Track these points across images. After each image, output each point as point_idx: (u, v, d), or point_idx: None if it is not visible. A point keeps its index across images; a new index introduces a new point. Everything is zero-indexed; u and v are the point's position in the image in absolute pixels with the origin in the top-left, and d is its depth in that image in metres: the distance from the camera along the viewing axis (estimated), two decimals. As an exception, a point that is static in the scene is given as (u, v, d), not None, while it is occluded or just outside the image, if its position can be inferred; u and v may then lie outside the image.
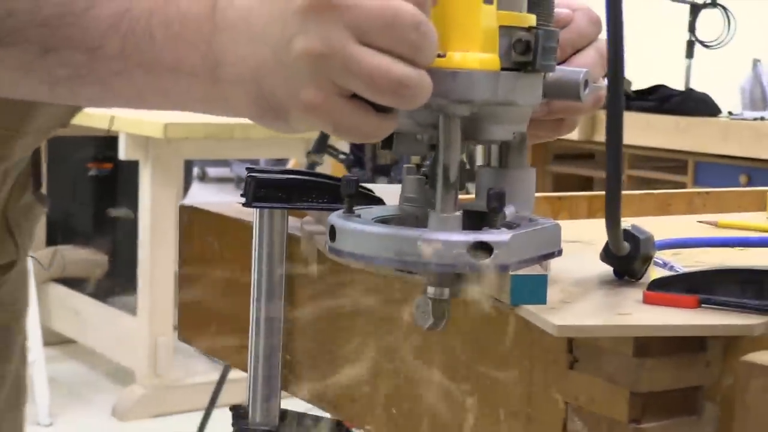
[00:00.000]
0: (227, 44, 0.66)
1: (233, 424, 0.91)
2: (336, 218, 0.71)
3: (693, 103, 4.35)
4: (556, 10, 0.85)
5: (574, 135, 4.46)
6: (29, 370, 3.41)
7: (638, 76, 4.68)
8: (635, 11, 5.41)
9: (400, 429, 0.84)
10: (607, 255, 0.74)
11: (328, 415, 0.92)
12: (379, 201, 0.89)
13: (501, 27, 0.70)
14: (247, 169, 0.90)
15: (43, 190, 1.14)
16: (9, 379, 1.14)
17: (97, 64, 0.68)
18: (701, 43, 4.57)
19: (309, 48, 0.62)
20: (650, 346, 0.65)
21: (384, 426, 0.86)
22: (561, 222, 1.19)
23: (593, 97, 0.84)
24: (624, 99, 0.66)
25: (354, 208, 0.74)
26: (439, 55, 0.66)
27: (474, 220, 0.73)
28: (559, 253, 0.73)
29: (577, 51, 0.84)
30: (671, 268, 0.80)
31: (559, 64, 0.83)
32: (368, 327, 0.86)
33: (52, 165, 4.16)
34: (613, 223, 0.68)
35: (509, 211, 0.75)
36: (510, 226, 0.72)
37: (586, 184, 4.89)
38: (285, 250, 0.89)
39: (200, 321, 1.06)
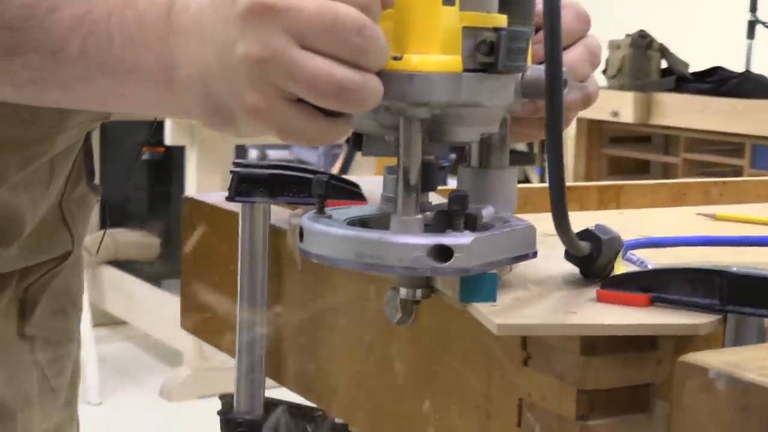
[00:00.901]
0: (180, 47, 0.67)
1: (218, 413, 0.93)
2: (305, 219, 0.72)
3: (751, 86, 4.29)
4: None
5: (629, 117, 4.43)
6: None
7: (697, 57, 4.63)
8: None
9: (373, 421, 0.85)
10: (569, 255, 0.74)
11: (312, 404, 0.94)
12: (360, 197, 0.90)
13: (465, 28, 0.69)
14: (233, 163, 0.92)
15: (97, 179, 1.17)
16: (71, 360, 1.18)
17: (59, 67, 0.70)
18: (763, 23, 4.50)
19: (249, 52, 0.62)
20: (597, 344, 0.66)
21: (359, 417, 0.87)
22: (576, 213, 1.21)
23: (581, 95, 0.83)
24: (563, 102, 0.65)
25: (332, 208, 0.75)
26: (395, 58, 0.66)
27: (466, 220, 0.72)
28: (534, 255, 0.73)
29: (565, 48, 0.82)
30: (642, 264, 0.80)
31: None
32: (347, 319, 0.87)
33: (107, 149, 4.24)
34: (561, 229, 0.67)
35: (487, 211, 0.75)
36: (485, 227, 0.72)
37: (642, 166, 4.86)
38: (267, 243, 0.91)
39: (201, 311, 1.09)
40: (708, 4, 5.92)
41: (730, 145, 4.24)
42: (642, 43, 4.51)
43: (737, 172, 4.25)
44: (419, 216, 0.68)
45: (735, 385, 0.56)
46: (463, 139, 0.73)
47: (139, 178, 4.42)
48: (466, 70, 0.69)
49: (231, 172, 0.89)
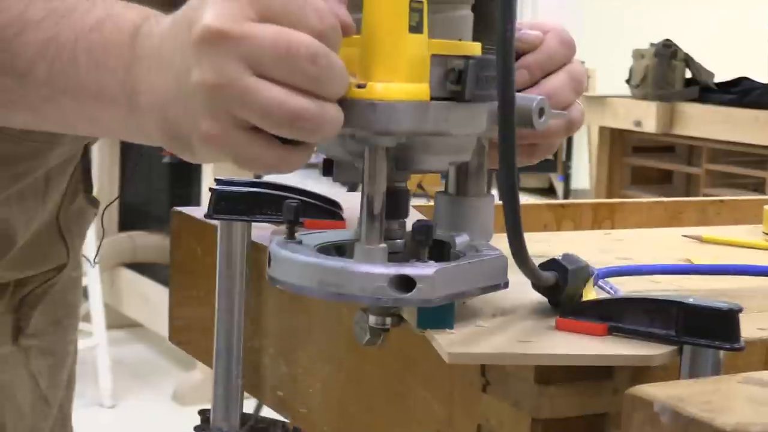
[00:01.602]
0: (142, 73, 0.68)
1: (195, 428, 0.94)
2: (273, 244, 0.72)
3: (775, 97, 4.27)
4: (527, 32, 0.84)
5: (651, 127, 4.42)
6: (93, 352, 3.49)
7: (722, 67, 4.61)
8: (720, 1, 5.33)
9: (343, 441, 0.86)
10: (536, 285, 0.73)
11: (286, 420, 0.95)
12: (338, 217, 0.90)
13: (434, 56, 0.68)
14: (215, 180, 0.93)
15: (110, 183, 1.19)
16: (66, 370, 1.19)
17: (26, 90, 0.71)
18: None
19: (204, 79, 0.62)
20: (552, 373, 0.66)
21: (331, 436, 0.88)
22: (562, 233, 1.21)
23: (564, 122, 0.83)
24: (514, 128, 0.65)
25: (305, 233, 0.74)
26: (359, 86, 0.66)
27: (433, 248, 0.71)
28: (505, 285, 0.72)
29: (548, 74, 0.83)
30: (614, 292, 0.80)
31: (528, 87, 0.83)
32: (320, 338, 0.88)
33: (127, 152, 4.26)
34: (520, 262, 0.66)
35: (461, 239, 0.74)
36: (457, 256, 0.72)
37: (665, 177, 4.84)
38: (247, 260, 0.91)
39: (187, 325, 1.09)
40: (733, 14, 5.88)
41: (753, 156, 4.22)
42: (666, 52, 4.50)
43: (760, 183, 4.24)
44: (383, 245, 0.67)
45: (678, 419, 0.56)
46: (431, 168, 0.73)
47: (158, 181, 4.44)
48: (435, 98, 0.68)
49: (210, 189, 0.90)
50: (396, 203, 0.72)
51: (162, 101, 0.67)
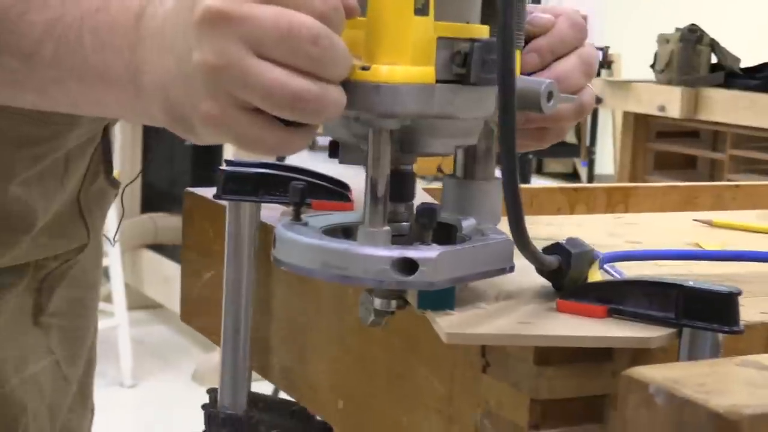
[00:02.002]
0: (147, 54, 0.68)
1: (203, 406, 0.95)
2: (279, 226, 0.72)
3: (800, 82, 4.23)
4: (538, 15, 0.84)
5: (675, 112, 4.39)
6: (114, 333, 3.51)
7: (749, 53, 4.58)
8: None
9: (348, 421, 0.86)
10: (540, 269, 0.73)
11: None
12: (346, 198, 0.91)
13: (440, 38, 0.68)
14: (225, 161, 0.93)
15: (133, 166, 1.19)
16: (86, 348, 1.21)
17: (33, 71, 0.71)
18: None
19: (204, 60, 0.62)
20: (552, 354, 0.66)
21: (336, 416, 0.88)
22: (572, 216, 1.21)
23: (574, 106, 0.82)
24: (515, 116, 0.64)
25: (311, 215, 0.75)
26: (364, 68, 0.66)
27: (439, 231, 0.72)
28: (511, 269, 0.72)
29: (559, 57, 0.82)
30: (620, 276, 0.80)
31: (538, 71, 0.82)
32: (327, 319, 0.89)
33: (151, 134, 4.28)
34: (522, 246, 0.66)
35: (467, 223, 0.74)
36: (463, 239, 0.72)
37: (690, 162, 4.81)
38: (256, 241, 0.92)
39: (198, 305, 1.10)
40: (761, -2, 5.84)
41: (778, 142, 4.19)
42: (691, 37, 4.46)
43: (786, 171, 4.21)
44: (386, 228, 0.67)
45: (672, 401, 0.56)
46: (437, 151, 0.72)
47: (180, 163, 4.46)
48: (440, 81, 0.68)
49: (219, 169, 0.90)
50: (401, 186, 0.72)
51: (164, 82, 0.67)
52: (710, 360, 0.63)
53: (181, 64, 0.65)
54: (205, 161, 4.42)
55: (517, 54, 0.77)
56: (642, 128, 4.75)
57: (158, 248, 4.16)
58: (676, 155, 4.75)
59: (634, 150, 4.79)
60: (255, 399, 0.94)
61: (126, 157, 4.19)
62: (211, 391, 0.96)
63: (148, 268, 4.08)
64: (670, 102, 4.42)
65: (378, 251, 0.66)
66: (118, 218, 3.33)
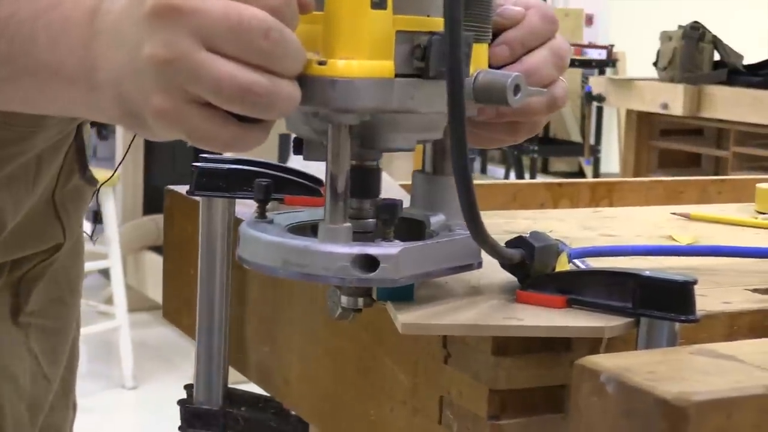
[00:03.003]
0: (100, 49, 0.67)
1: (179, 402, 0.95)
2: (243, 224, 0.72)
3: (804, 79, 4.23)
4: (508, 8, 0.83)
5: (678, 110, 4.39)
6: (115, 334, 3.50)
7: (752, 49, 4.58)
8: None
9: (319, 414, 0.87)
10: (502, 263, 0.73)
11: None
12: (317, 193, 0.91)
13: (399, 32, 0.67)
14: (199, 157, 0.94)
15: (121, 168, 1.18)
16: (67, 347, 1.21)
17: None
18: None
19: (154, 53, 0.62)
20: (510, 345, 0.67)
21: (308, 409, 0.89)
22: (549, 211, 1.21)
23: (546, 99, 0.81)
24: (464, 108, 0.64)
25: (279, 213, 0.74)
26: (320, 63, 0.65)
27: (410, 227, 0.72)
28: (479, 265, 0.72)
29: (530, 50, 0.81)
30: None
31: (510, 63, 0.80)
32: (299, 312, 0.89)
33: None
34: (479, 239, 0.66)
35: (436, 219, 0.74)
36: (431, 235, 0.72)
37: (694, 159, 4.81)
38: (229, 237, 0.92)
39: (180, 303, 1.11)
40: (764, -5, 5.83)
41: (781, 139, 4.19)
42: (694, 34, 4.46)
43: (789, 167, 4.20)
44: (347, 224, 0.67)
45: (622, 389, 0.56)
46: (398, 146, 0.72)
47: (183, 164, 4.46)
48: (401, 75, 0.67)
49: (192, 165, 0.91)
50: (366, 182, 0.71)
51: (117, 77, 0.66)
52: (664, 349, 0.64)
53: (132, 58, 0.64)
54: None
55: (483, 47, 0.76)
56: (646, 126, 4.75)
57: (161, 250, 4.16)
58: (680, 153, 4.75)
59: (637, 148, 4.79)
60: (231, 394, 0.95)
61: (127, 159, 4.20)
62: (189, 387, 0.97)
63: (151, 270, 4.09)
64: (673, 100, 4.42)
65: (338, 248, 0.66)
66: (118, 217, 3.31)
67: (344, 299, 0.70)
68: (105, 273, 3.89)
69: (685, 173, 4.57)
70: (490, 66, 0.77)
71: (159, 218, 4.22)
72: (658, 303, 0.65)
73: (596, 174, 6.32)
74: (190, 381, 3.19)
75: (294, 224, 0.73)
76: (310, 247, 0.66)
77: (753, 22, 6.01)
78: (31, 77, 0.71)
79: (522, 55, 0.81)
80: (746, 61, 4.46)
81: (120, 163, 1.65)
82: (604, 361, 0.58)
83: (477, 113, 0.78)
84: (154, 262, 4.09)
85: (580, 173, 7.29)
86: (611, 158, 6.95)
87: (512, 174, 5.82)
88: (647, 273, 0.66)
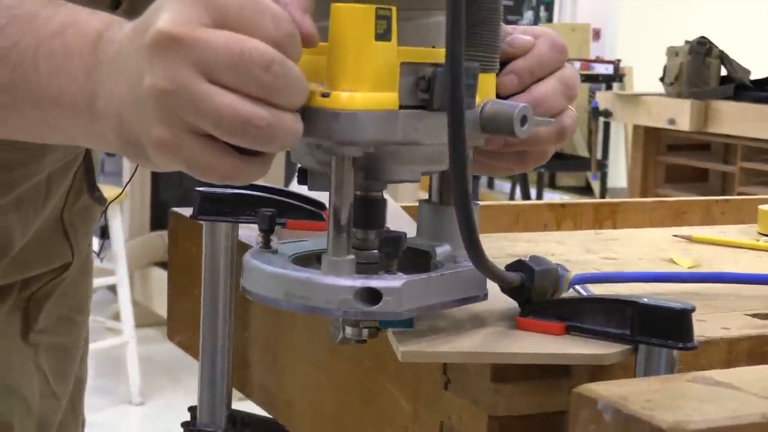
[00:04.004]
0: (102, 78, 0.68)
1: (182, 424, 0.96)
2: (247, 254, 0.71)
3: (812, 94, 4.23)
4: (518, 36, 0.82)
5: (686, 125, 4.39)
6: (123, 350, 3.49)
7: (759, 65, 4.58)
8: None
9: (320, 437, 0.87)
10: (502, 288, 0.73)
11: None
12: (320, 218, 0.92)
13: (404, 64, 0.67)
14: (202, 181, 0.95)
15: (128, 185, 1.18)
16: (76, 365, 1.22)
17: None
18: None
19: (155, 84, 0.61)
20: (509, 372, 0.67)
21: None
22: (551, 233, 1.21)
23: (555, 129, 0.80)
24: (464, 137, 0.63)
25: (282, 242, 0.74)
26: (324, 95, 0.65)
27: (415, 258, 0.72)
28: (484, 297, 0.72)
29: (539, 79, 0.80)
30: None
31: (518, 93, 0.79)
32: (301, 336, 0.90)
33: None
34: (479, 264, 0.66)
35: (441, 250, 0.74)
36: (436, 266, 0.71)
37: (701, 175, 4.81)
38: (233, 261, 0.93)
39: (184, 324, 1.11)
40: (771, 10, 5.84)
41: (789, 155, 4.18)
42: (701, 50, 4.46)
43: (796, 183, 4.20)
44: (350, 257, 0.66)
45: (619, 417, 0.57)
46: (403, 178, 0.71)
47: (190, 181, 4.47)
48: (405, 106, 0.67)
49: (195, 190, 0.92)
50: (371, 213, 0.71)
51: (118, 107, 0.66)
52: (662, 376, 0.64)
53: (133, 88, 0.64)
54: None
55: (493, 77, 0.76)
56: (653, 141, 4.75)
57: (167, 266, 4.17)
58: (687, 168, 4.74)
59: (644, 163, 4.79)
60: (234, 416, 0.95)
61: (135, 175, 4.21)
62: (192, 409, 0.97)
63: (158, 286, 4.10)
64: (680, 115, 4.42)
65: (340, 281, 0.65)
66: (125, 233, 3.30)
67: (349, 330, 0.70)
68: (112, 289, 3.90)
69: (692, 188, 4.57)
70: (499, 96, 0.77)
71: (166, 234, 4.23)
72: (657, 330, 0.65)
73: (603, 188, 6.31)
74: (197, 397, 3.17)
75: (298, 254, 0.73)
76: (312, 279, 0.66)
77: (760, 38, 6.01)
78: (33, 106, 0.71)
79: (530, 84, 0.80)
80: (753, 76, 4.45)
81: (128, 182, 1.66)
82: (601, 389, 0.58)
83: (485, 143, 0.77)
84: (161, 278, 4.10)
85: (588, 188, 7.29)
86: (619, 173, 6.95)
87: (518, 189, 5.81)
88: (645, 300, 0.66)
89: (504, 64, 0.79)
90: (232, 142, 0.63)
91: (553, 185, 7.41)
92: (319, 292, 0.66)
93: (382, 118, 0.65)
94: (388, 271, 0.67)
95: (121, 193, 1.47)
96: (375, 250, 0.71)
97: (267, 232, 0.74)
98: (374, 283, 0.65)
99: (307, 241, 0.76)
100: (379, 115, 0.65)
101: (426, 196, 0.79)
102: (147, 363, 3.68)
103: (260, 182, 0.93)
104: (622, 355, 0.66)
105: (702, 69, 4.43)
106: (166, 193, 4.50)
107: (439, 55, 0.69)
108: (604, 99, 5.02)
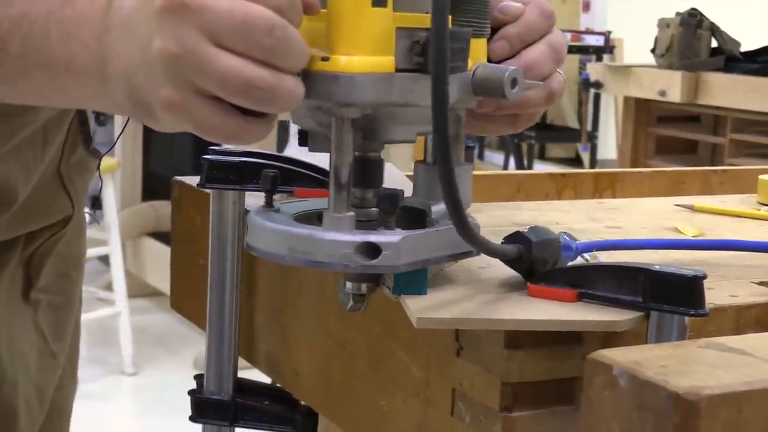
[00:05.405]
0: (112, 43, 0.70)
1: (189, 392, 0.96)
2: (252, 213, 0.74)
3: (801, 66, 4.23)
4: (507, 4, 0.85)
5: (676, 97, 4.40)
6: (115, 321, 3.51)
7: (749, 36, 4.58)
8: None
9: (330, 405, 0.88)
10: (502, 259, 0.74)
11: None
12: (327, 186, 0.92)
13: (399, 29, 0.69)
14: (209, 149, 0.95)
15: (121, 143, 1.19)
16: (72, 323, 1.22)
17: (2, 66, 0.74)
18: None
19: (164, 48, 0.65)
20: (522, 338, 0.68)
21: (319, 400, 0.90)
22: (554, 202, 1.22)
23: (544, 92, 0.83)
24: (447, 104, 0.65)
25: (286, 201, 0.77)
26: (324, 59, 0.68)
27: (412, 216, 0.75)
28: (477, 252, 0.73)
29: (528, 45, 0.83)
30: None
31: (508, 58, 0.83)
32: (309, 304, 0.90)
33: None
34: (470, 240, 0.67)
35: (437, 208, 0.76)
36: (432, 223, 0.74)
37: (691, 146, 4.82)
38: (239, 228, 0.93)
39: (188, 292, 1.12)
40: (762, -19, 5.83)
41: (778, 126, 4.19)
42: (692, 21, 4.46)
43: (785, 154, 4.21)
44: (350, 213, 0.69)
45: (635, 382, 0.57)
46: (400, 138, 0.74)
47: (181, 151, 4.47)
48: (401, 70, 0.70)
49: (202, 158, 0.92)
50: (369, 172, 0.74)
51: (127, 69, 0.69)
52: (674, 342, 0.65)
53: (143, 51, 0.67)
54: (205, 149, 4.42)
55: (484, 42, 0.79)
56: (643, 113, 4.75)
57: (160, 236, 4.17)
58: (677, 140, 4.75)
59: (635, 135, 4.79)
60: (241, 384, 0.96)
61: (127, 146, 4.20)
62: (198, 377, 0.98)
63: (150, 256, 4.10)
64: (671, 87, 4.42)
65: (341, 236, 0.68)
66: (117, 203, 3.31)
67: (348, 285, 0.73)
68: (103, 259, 3.90)
69: (682, 160, 4.58)
70: (490, 61, 0.80)
71: (158, 204, 4.23)
72: (668, 297, 0.66)
73: (593, 160, 6.32)
74: (190, 367, 3.21)
75: (300, 213, 0.76)
76: (314, 234, 0.69)
77: (750, 9, 6.01)
78: (44, 71, 0.74)
79: (520, 49, 0.83)
80: (743, 48, 4.46)
81: (116, 142, 1.65)
82: (616, 356, 0.59)
83: (478, 106, 0.81)
84: (153, 249, 4.10)
85: (577, 159, 7.29)
86: (608, 144, 6.95)
87: (511, 160, 5.82)
88: (657, 267, 0.67)
89: (494, 30, 0.82)
90: (237, 103, 0.66)
91: (542, 156, 7.42)
92: (321, 247, 0.68)
93: (379, 81, 0.69)
94: (386, 227, 0.69)
95: (111, 147, 1.45)
96: (373, 208, 0.73)
97: (270, 192, 0.76)
98: (373, 238, 0.68)
99: (308, 201, 0.79)
100: (377, 77, 0.69)
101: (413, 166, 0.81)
102: (139, 333, 3.68)
103: (259, 149, 0.94)
104: (634, 321, 0.67)
105: (693, 41, 4.43)
106: (157, 164, 4.50)
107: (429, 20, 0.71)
108: (594, 70, 5.02)
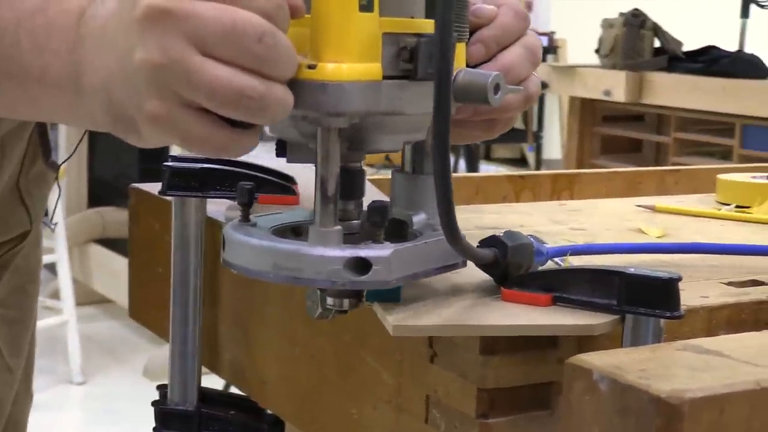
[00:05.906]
0: (86, 54, 0.67)
1: (153, 403, 0.95)
2: (228, 228, 0.71)
3: (742, 66, 4.29)
4: (481, 6, 0.84)
5: (621, 97, 4.44)
6: (63, 329, 3.46)
7: (691, 36, 4.63)
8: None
9: (299, 414, 0.87)
10: (476, 263, 0.73)
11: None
12: (292, 192, 0.91)
13: (385, 34, 0.67)
14: (169, 156, 0.93)
15: (92, 153, 1.17)
16: (28, 337, 1.20)
17: None
18: (757, 2, 4.48)
19: (148, 58, 0.61)
20: (497, 343, 0.67)
21: (287, 409, 0.89)
22: (516, 204, 1.22)
23: (522, 96, 0.82)
24: (450, 110, 0.63)
25: (257, 215, 0.74)
26: (310, 66, 0.65)
27: (392, 227, 0.72)
28: (464, 264, 0.72)
29: (504, 48, 0.82)
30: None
31: (485, 62, 0.81)
32: (276, 312, 0.89)
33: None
34: (453, 241, 0.66)
35: (418, 218, 0.74)
36: (414, 235, 0.71)
37: (635, 146, 4.86)
38: (202, 236, 0.92)
39: (147, 301, 1.10)
40: (702, -18, 5.90)
41: (720, 125, 4.23)
42: (635, 22, 4.50)
43: (727, 151, 4.26)
44: (338, 227, 0.67)
45: (615, 387, 0.57)
46: (385, 148, 0.72)
47: (127, 157, 4.43)
48: (387, 77, 0.67)
49: (163, 166, 0.90)
50: (351, 184, 0.71)
51: (106, 82, 0.66)
52: (651, 345, 0.65)
53: (122, 62, 0.64)
54: (151, 155, 4.38)
55: (462, 47, 0.76)
56: (588, 113, 4.79)
57: (106, 243, 4.13)
58: (622, 139, 4.80)
59: (580, 134, 4.83)
60: (205, 394, 0.94)
61: (71, 150, 4.14)
62: (161, 387, 0.96)
63: (97, 263, 4.05)
64: (615, 86, 4.46)
65: (330, 251, 0.65)
66: (63, 210, 3.25)
67: (330, 300, 0.70)
68: (49, 267, 3.85)
69: (626, 159, 4.62)
70: (467, 65, 0.77)
71: (104, 211, 4.18)
72: (643, 300, 0.66)
73: (538, 160, 6.36)
74: (139, 375, 3.17)
75: (276, 227, 0.73)
76: (300, 250, 0.66)
77: (692, 9, 6.08)
78: (15, 83, 0.70)
79: (497, 52, 0.82)
80: (686, 48, 4.51)
81: (74, 152, 1.63)
82: (595, 360, 0.59)
83: (456, 112, 0.78)
84: (100, 256, 4.05)
85: (523, 160, 7.33)
86: (553, 145, 7.00)
87: (461, 162, 5.82)
88: (632, 270, 0.66)
89: (470, 34, 0.79)
90: (226, 115, 0.63)
91: (488, 157, 7.45)
92: (308, 263, 0.65)
93: (367, 89, 0.66)
94: (374, 241, 0.67)
95: (67, 160, 1.43)
96: (355, 221, 0.71)
97: (246, 206, 0.73)
98: (363, 252, 0.65)
99: (282, 214, 0.76)
100: (365, 85, 0.66)
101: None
102: (87, 342, 3.63)
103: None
104: (610, 325, 0.66)
105: (636, 41, 4.47)
106: (102, 169, 4.45)
107: (418, 25, 0.70)
108: (539, 71, 5.03)
